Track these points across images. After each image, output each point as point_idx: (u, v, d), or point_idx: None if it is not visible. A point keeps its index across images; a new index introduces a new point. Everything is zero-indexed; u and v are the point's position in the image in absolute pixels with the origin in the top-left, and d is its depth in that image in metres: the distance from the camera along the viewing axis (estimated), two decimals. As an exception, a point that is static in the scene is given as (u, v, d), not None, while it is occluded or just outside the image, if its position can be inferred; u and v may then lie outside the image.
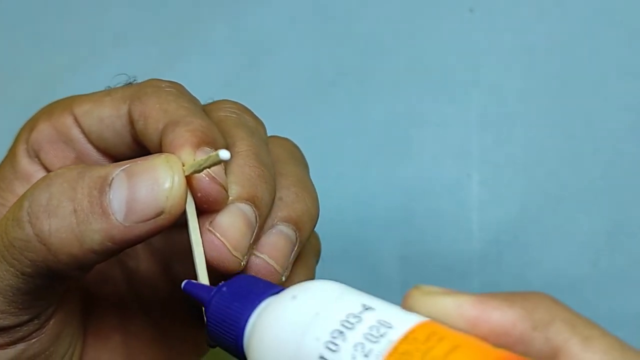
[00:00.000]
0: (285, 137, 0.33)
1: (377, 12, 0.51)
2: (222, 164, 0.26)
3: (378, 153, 0.51)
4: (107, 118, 0.29)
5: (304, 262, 0.31)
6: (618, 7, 0.48)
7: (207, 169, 0.25)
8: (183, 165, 0.25)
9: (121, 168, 0.25)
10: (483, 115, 0.50)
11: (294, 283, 0.29)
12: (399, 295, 0.54)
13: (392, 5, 0.51)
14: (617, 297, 0.49)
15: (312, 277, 0.31)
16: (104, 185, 0.24)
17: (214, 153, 0.24)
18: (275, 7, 0.53)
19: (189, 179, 0.25)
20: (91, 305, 0.33)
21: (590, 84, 0.48)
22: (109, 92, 0.30)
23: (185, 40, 0.54)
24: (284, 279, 0.28)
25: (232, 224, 0.26)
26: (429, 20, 0.50)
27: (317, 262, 0.33)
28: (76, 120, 0.30)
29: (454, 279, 0.51)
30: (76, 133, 0.30)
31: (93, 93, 0.30)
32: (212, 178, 0.25)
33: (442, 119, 0.50)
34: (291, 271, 0.29)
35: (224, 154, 0.23)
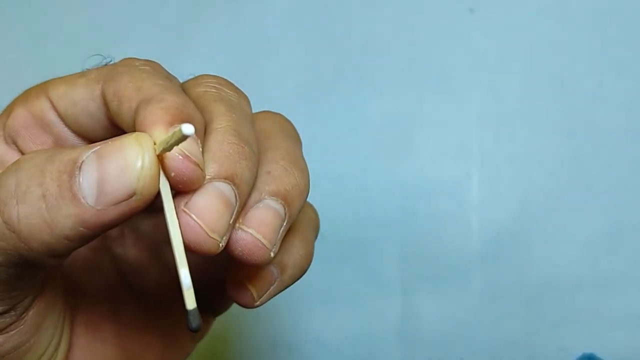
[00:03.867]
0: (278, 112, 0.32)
1: (377, 12, 0.51)
2: (198, 141, 0.25)
3: (378, 153, 0.51)
4: (81, 101, 0.28)
5: (299, 234, 0.30)
6: (618, 7, 0.48)
7: (181, 148, 0.24)
8: (155, 144, 0.24)
9: (92, 150, 0.24)
10: (483, 115, 0.50)
11: (289, 256, 0.28)
12: (399, 295, 0.55)
13: (392, 5, 0.51)
14: (617, 297, 0.49)
15: (310, 250, 0.30)
16: (73, 169, 0.23)
17: (177, 128, 0.22)
18: (275, 7, 0.53)
19: (161, 158, 0.24)
20: (80, 295, 0.32)
21: (590, 84, 0.48)
22: (83, 73, 0.29)
23: (185, 39, 0.54)
24: (272, 254, 0.26)
25: (208, 204, 0.24)
26: (429, 20, 0.50)
27: (315, 237, 0.32)
28: (52, 104, 0.29)
29: (454, 279, 0.51)
30: (52, 117, 0.29)
31: (68, 75, 0.29)
32: (186, 156, 0.24)
33: (442, 118, 0.50)
34: (286, 243, 0.28)
35: (187, 129, 0.22)
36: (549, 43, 0.49)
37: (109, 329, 0.32)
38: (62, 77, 0.29)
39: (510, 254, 0.50)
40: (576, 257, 0.49)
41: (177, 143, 0.23)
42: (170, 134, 0.23)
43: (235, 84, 0.30)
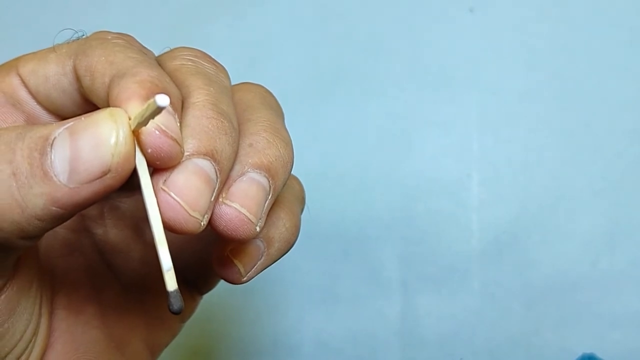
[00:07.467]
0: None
1: (377, 12, 0.51)
2: (176, 116, 0.24)
3: (378, 153, 0.51)
4: (53, 76, 0.27)
5: (285, 206, 0.28)
6: (618, 7, 0.48)
7: (157, 123, 0.23)
8: (130, 120, 0.23)
9: (65, 126, 0.23)
10: (483, 115, 0.50)
11: (275, 229, 0.28)
12: (399, 295, 0.55)
13: (392, 5, 0.51)
14: (617, 297, 0.49)
15: (296, 223, 0.29)
16: (45, 146, 0.22)
17: (151, 100, 0.21)
18: (275, 7, 0.53)
19: (137, 134, 0.23)
20: (59, 278, 0.31)
21: (590, 84, 0.48)
22: (54, 48, 0.28)
23: (185, 40, 0.54)
24: (258, 229, 0.25)
25: (188, 181, 0.23)
26: (429, 20, 0.50)
27: (302, 209, 0.31)
28: (22, 81, 0.28)
29: (454, 279, 0.51)
30: (23, 94, 0.28)
31: (39, 51, 0.28)
32: (163, 131, 0.23)
33: (442, 119, 0.50)
34: (272, 216, 0.27)
35: (161, 100, 0.21)
36: (549, 43, 0.49)
37: (91, 312, 0.31)
38: (32, 53, 0.28)
39: (510, 254, 0.50)
40: (576, 257, 0.49)
41: (152, 116, 0.22)
42: (144, 106, 0.22)
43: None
